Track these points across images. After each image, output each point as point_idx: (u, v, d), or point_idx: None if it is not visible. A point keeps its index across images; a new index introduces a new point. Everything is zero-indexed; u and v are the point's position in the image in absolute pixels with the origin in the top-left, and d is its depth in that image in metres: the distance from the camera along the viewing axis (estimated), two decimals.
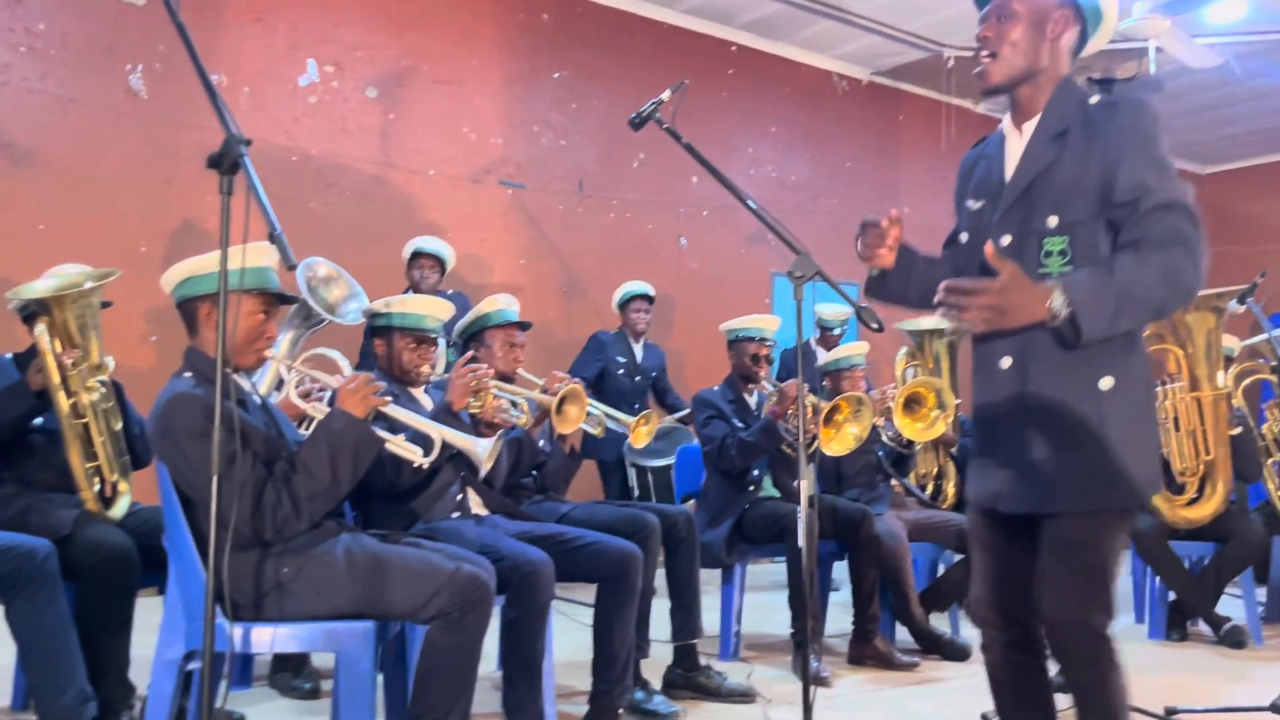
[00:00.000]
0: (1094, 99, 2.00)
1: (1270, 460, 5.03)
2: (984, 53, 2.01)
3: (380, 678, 2.62)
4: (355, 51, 6.04)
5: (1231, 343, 5.03)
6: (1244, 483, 4.96)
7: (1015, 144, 2.06)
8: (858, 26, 7.29)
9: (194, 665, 2.32)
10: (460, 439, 2.60)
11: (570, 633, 3.83)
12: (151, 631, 2.45)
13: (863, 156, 8.22)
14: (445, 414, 2.81)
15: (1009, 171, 2.04)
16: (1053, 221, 1.94)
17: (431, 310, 3.06)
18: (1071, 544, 1.92)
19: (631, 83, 6.91)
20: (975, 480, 2.10)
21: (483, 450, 2.58)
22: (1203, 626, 4.73)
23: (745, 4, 7.02)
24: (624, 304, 6.07)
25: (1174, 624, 4.75)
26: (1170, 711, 3.32)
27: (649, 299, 6.08)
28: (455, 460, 2.94)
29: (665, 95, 2.79)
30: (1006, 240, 2.00)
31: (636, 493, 5.75)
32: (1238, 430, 4.75)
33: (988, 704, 3.31)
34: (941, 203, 9.76)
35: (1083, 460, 1.90)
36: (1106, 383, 1.90)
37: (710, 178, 2.76)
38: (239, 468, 2.18)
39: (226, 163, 1.93)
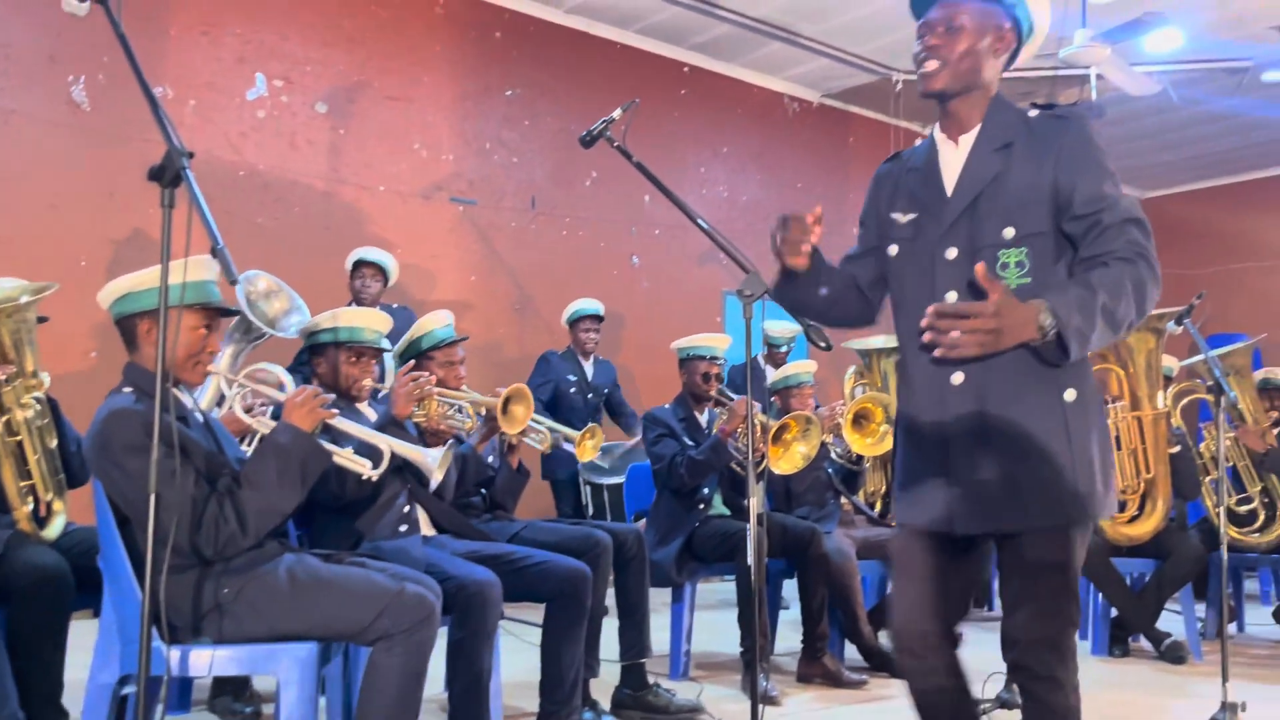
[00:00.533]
0: (1033, 112, 2.00)
1: (1207, 478, 5.14)
2: (931, 60, 2.00)
3: (323, 701, 2.57)
4: (305, 66, 5.99)
5: (1170, 363, 5.15)
6: (1182, 500, 5.06)
7: (952, 156, 2.03)
8: (808, 49, 7.39)
9: (129, 689, 2.26)
10: (409, 449, 2.58)
11: (519, 652, 3.79)
12: (86, 654, 2.38)
13: (813, 177, 8.31)
14: (391, 425, 2.78)
15: (949, 184, 2.02)
16: (1009, 233, 1.93)
17: (369, 322, 3.03)
18: (1041, 562, 1.90)
19: (584, 101, 6.93)
20: (914, 503, 2.02)
21: (432, 460, 2.56)
22: (1144, 643, 4.81)
23: (697, 25, 7.08)
24: (573, 323, 6.07)
25: (1116, 640, 4.83)
26: None
27: (598, 318, 6.07)
28: (402, 473, 2.90)
29: (616, 113, 2.80)
30: (953, 253, 1.97)
31: (590, 510, 5.73)
32: (1176, 449, 4.85)
33: None
34: None
35: (1051, 475, 1.87)
36: (1070, 394, 1.89)
37: (662, 197, 2.76)
38: (179, 484, 2.13)
39: (168, 175, 1.90)
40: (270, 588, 2.23)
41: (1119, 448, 4.82)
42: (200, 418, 2.46)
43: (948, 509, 1.96)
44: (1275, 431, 5.16)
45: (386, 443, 2.51)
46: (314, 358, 3.10)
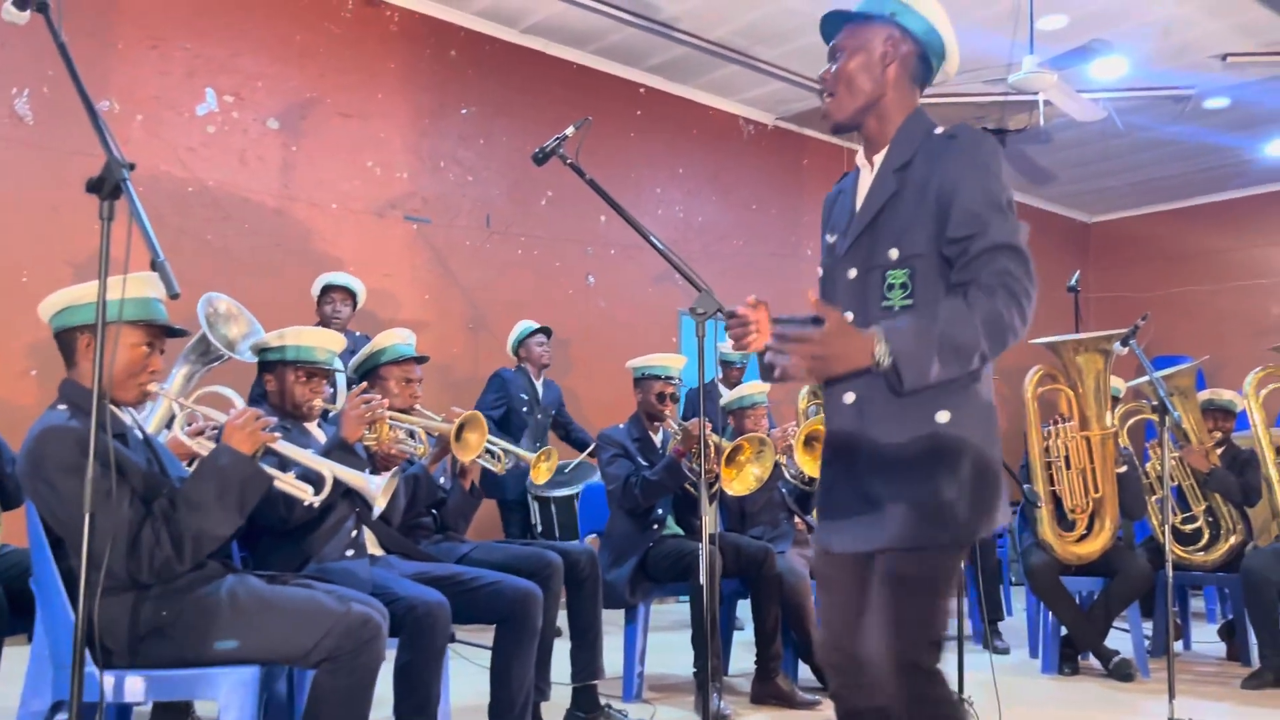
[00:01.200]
0: (938, 130, 1.98)
1: (1153, 498, 5.22)
2: (825, 95, 2.02)
3: None
4: (256, 82, 5.92)
5: (1118, 384, 5.23)
6: (1129, 519, 5.13)
7: (866, 178, 2.04)
8: (763, 72, 7.45)
9: (60, 716, 2.19)
10: (353, 476, 2.53)
11: (468, 675, 3.74)
12: (20, 681, 2.31)
13: (768, 199, 8.37)
14: (339, 448, 2.73)
15: (858, 205, 2.03)
16: (894, 254, 1.93)
17: (322, 341, 2.98)
18: (900, 581, 1.87)
19: (540, 120, 6.92)
20: (820, 522, 2.05)
21: (375, 488, 2.51)
22: (1093, 660, 4.86)
23: (654, 47, 7.12)
24: (523, 340, 6.04)
25: (1066, 658, 4.87)
26: None
27: (547, 332, 6.06)
28: (350, 497, 2.85)
29: (569, 131, 2.80)
30: (852, 274, 1.99)
31: (540, 528, 5.68)
32: (1124, 469, 4.92)
33: None
34: None
35: (914, 496, 1.86)
36: (943, 416, 1.87)
37: (618, 216, 2.76)
38: (115, 505, 2.07)
39: (107, 187, 1.86)
40: (210, 610, 2.18)
41: (1068, 467, 4.88)
42: (140, 435, 2.40)
43: (831, 527, 1.99)
44: (1219, 451, 5.25)
45: (329, 468, 2.45)
46: (263, 375, 3.05)
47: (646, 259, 7.39)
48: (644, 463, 4.22)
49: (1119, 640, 4.89)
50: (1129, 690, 4.48)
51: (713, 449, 4.14)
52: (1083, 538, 4.85)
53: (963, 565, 3.75)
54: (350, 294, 5.38)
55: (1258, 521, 5.18)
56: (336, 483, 2.46)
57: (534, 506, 5.73)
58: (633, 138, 7.53)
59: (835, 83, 2.00)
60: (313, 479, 2.42)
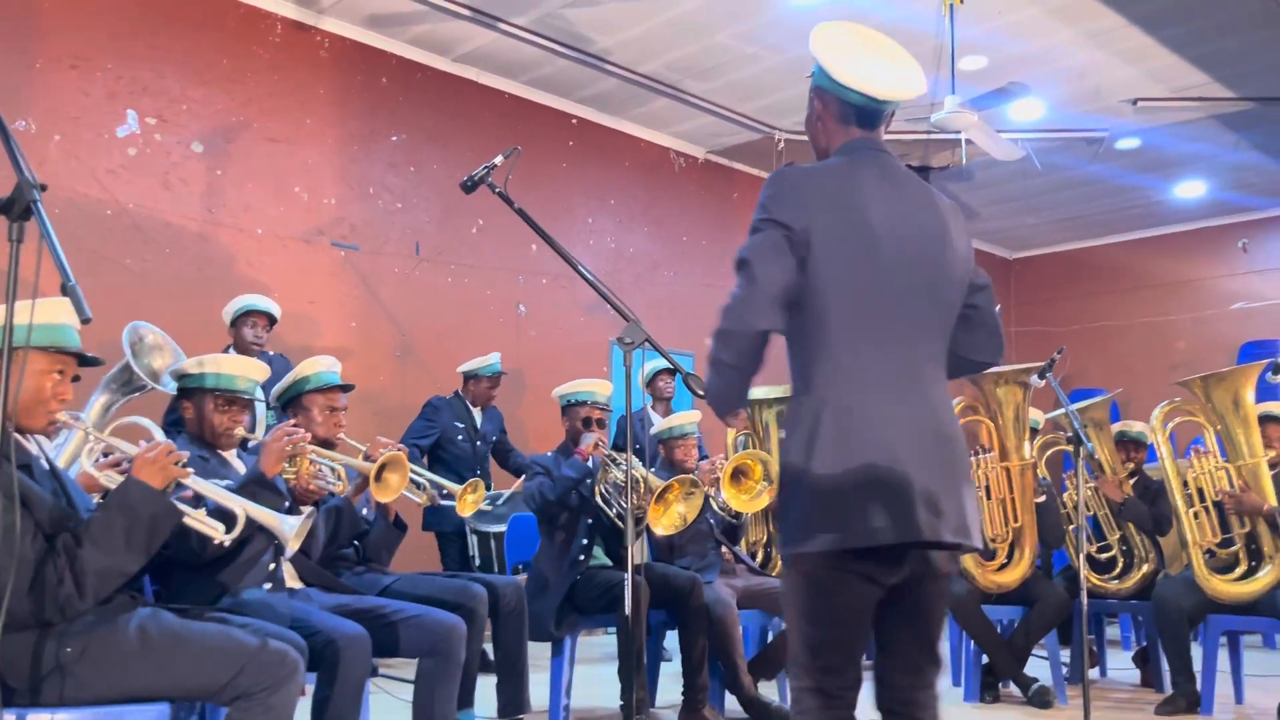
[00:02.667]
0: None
1: (1070, 527, 5.35)
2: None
3: None
4: (180, 105, 5.82)
5: (1037, 416, 5.36)
6: (1048, 548, 5.25)
7: None
8: (694, 106, 7.55)
9: None
10: (266, 516, 2.45)
11: (391, 710, 3.66)
12: None
13: (699, 232, 8.45)
14: (256, 482, 2.66)
15: None
16: None
17: (244, 370, 2.92)
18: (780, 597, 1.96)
19: (471, 149, 6.91)
20: None
21: (289, 529, 2.43)
22: (1013, 688, 4.93)
23: (585, 79, 7.17)
24: (472, 374, 5.97)
25: (987, 686, 4.94)
26: None
27: (497, 374, 5.98)
28: (267, 530, 2.79)
29: (498, 160, 2.80)
30: None
31: (478, 561, 5.60)
32: (1042, 498, 5.03)
33: None
34: None
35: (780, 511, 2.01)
36: (782, 434, 2.01)
37: (550, 245, 2.77)
38: (17, 539, 2.00)
39: (17, 208, 1.81)
40: (118, 645, 2.10)
41: (989, 497, 4.98)
42: (46, 466, 2.32)
43: None
44: (1131, 482, 5.41)
45: (242, 506, 2.38)
46: (181, 402, 2.97)
47: (578, 288, 7.40)
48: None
49: (1038, 668, 4.98)
50: (1047, 717, 4.56)
51: (643, 484, 4.15)
52: (1003, 567, 4.94)
53: None
54: (269, 318, 5.29)
55: (1168, 550, 5.34)
56: (249, 521, 2.39)
57: (472, 540, 5.66)
58: (565, 168, 7.56)
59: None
60: (225, 516, 2.35)
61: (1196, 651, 4.83)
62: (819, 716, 1.92)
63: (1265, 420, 4.76)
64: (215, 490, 2.42)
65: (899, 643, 2.04)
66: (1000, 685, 5.01)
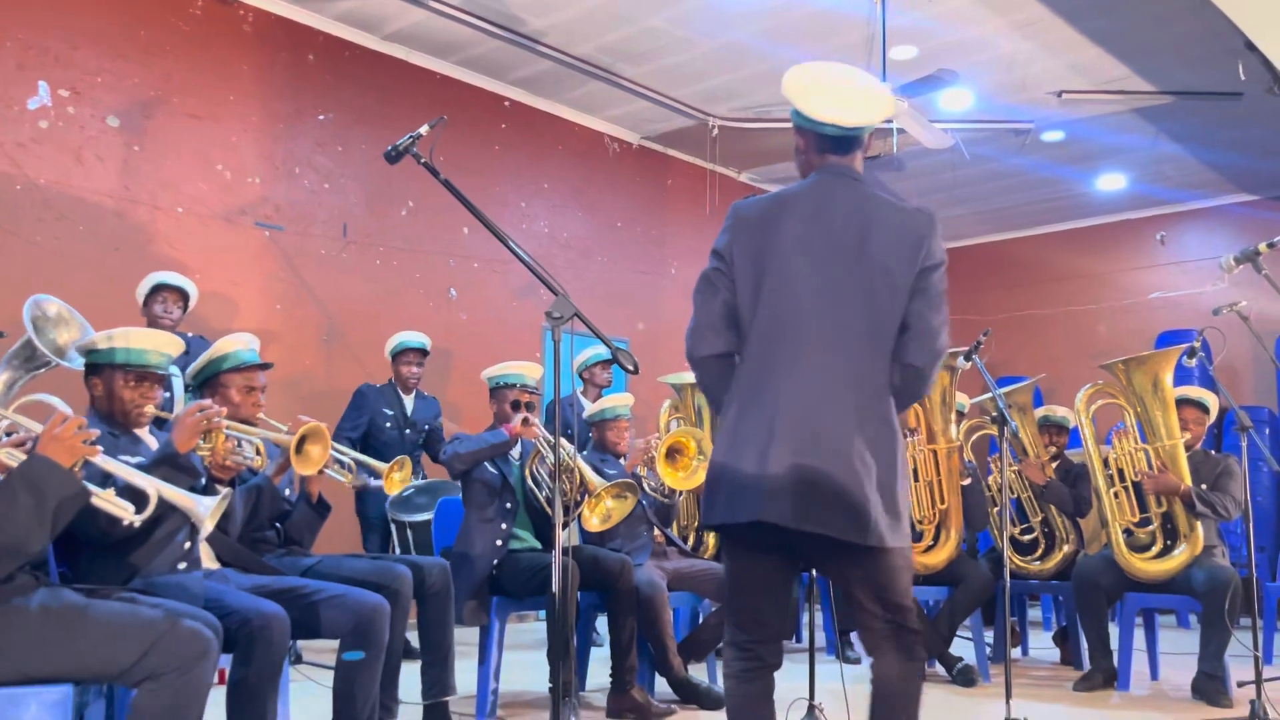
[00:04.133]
0: None
1: (995, 509, 5.44)
2: None
3: None
4: (96, 77, 5.61)
5: (963, 400, 5.44)
6: (973, 530, 5.33)
7: None
8: (627, 90, 7.50)
9: None
10: (179, 496, 2.35)
11: (313, 694, 3.58)
12: None
13: (633, 217, 8.41)
14: (169, 460, 2.56)
15: None
16: None
17: (156, 344, 2.81)
18: None
19: (401, 129, 6.67)
20: None
21: (204, 510, 2.34)
22: (938, 667, 5.01)
23: (517, 60, 7.08)
24: (395, 355, 5.89)
25: None
26: None
27: (422, 352, 5.91)
28: (181, 510, 2.69)
29: (424, 129, 2.73)
30: None
31: (398, 550, 5.53)
32: (968, 481, 5.11)
33: None
34: (704, 265, 10.06)
35: None
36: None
37: (482, 228, 2.71)
38: None
39: None
40: (17, 625, 2.01)
41: (916, 479, 5.04)
42: None
43: None
44: (1054, 465, 5.52)
45: (154, 486, 2.29)
46: (90, 379, 2.85)
47: (510, 272, 7.32)
48: (494, 471, 4.15)
49: (962, 647, 5.06)
50: (970, 694, 4.64)
51: (579, 477, 4.11)
52: (930, 548, 5.01)
53: (814, 574, 3.81)
54: (182, 295, 5.13)
55: (1088, 531, 5.46)
56: (160, 502, 2.30)
57: (393, 529, 5.57)
58: (497, 150, 7.47)
59: None
60: (136, 496, 2.25)
61: (1114, 630, 4.95)
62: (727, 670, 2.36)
63: (1182, 403, 4.89)
64: (126, 469, 2.33)
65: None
66: (926, 664, 5.08)
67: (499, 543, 4.04)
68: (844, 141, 2.34)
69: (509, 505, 4.11)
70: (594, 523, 4.09)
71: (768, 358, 2.25)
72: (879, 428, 2.19)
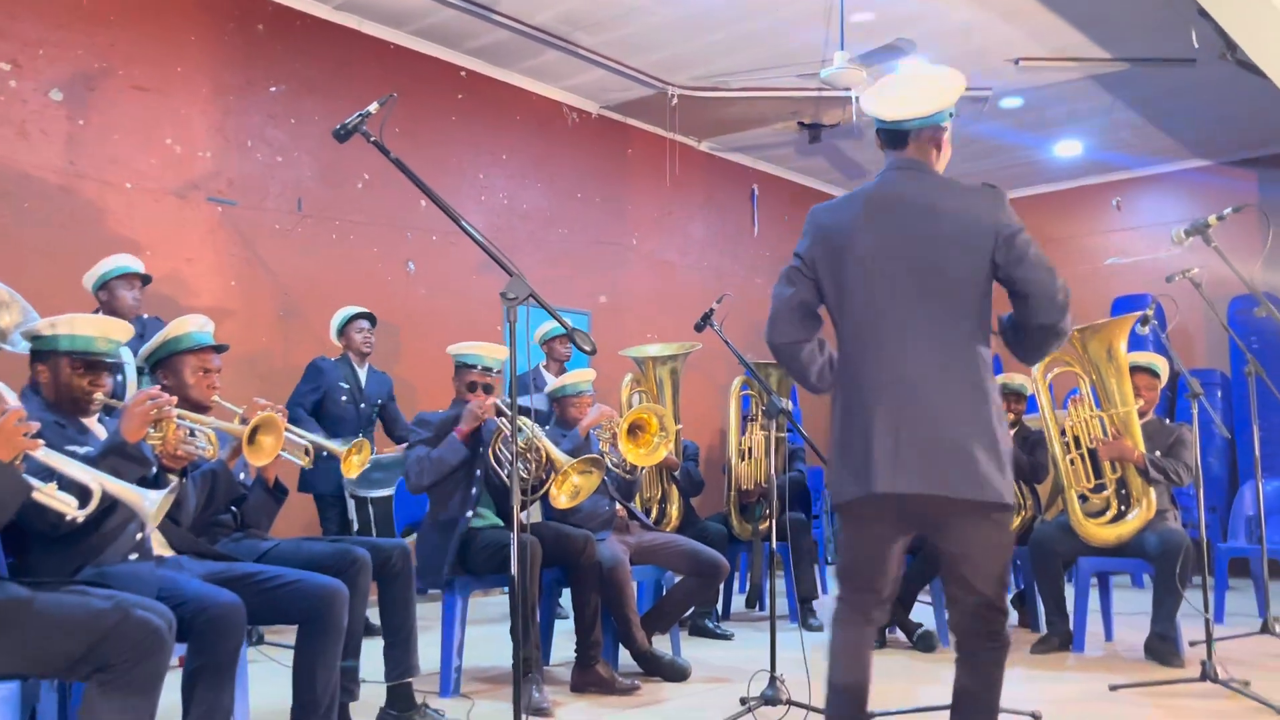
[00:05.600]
0: None
1: None
2: None
3: None
4: (37, 49, 5.46)
5: None
6: None
7: None
8: (585, 60, 7.42)
9: None
10: (124, 491, 2.30)
11: (275, 679, 3.56)
12: None
13: (593, 188, 8.35)
14: (118, 451, 2.50)
15: None
16: None
17: (104, 331, 2.75)
18: None
19: (355, 101, 6.59)
20: None
21: (150, 504, 2.28)
22: (899, 633, 5.08)
23: (473, 29, 6.97)
24: (343, 327, 5.83)
25: None
26: (868, 716, 3.50)
27: (369, 318, 5.86)
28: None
29: (373, 107, 2.68)
30: None
31: (356, 526, 5.50)
32: None
33: None
34: (665, 236, 10.07)
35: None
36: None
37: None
38: None
39: None
40: None
41: None
42: None
43: None
44: (1012, 432, 5.58)
45: (98, 481, 2.23)
46: (36, 365, 2.79)
47: (470, 246, 7.21)
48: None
49: (922, 613, 5.14)
50: (931, 659, 4.71)
51: (544, 456, 4.09)
52: None
53: (776, 544, 3.85)
54: (145, 278, 5.04)
55: (1045, 497, 5.54)
56: (104, 497, 2.25)
57: (351, 505, 5.54)
58: (454, 121, 7.37)
59: None
60: (80, 491, 2.20)
61: (1070, 593, 5.04)
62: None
63: (1135, 370, 4.95)
64: (69, 463, 2.27)
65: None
66: (887, 631, 5.15)
67: (466, 515, 4.04)
68: (896, 135, 2.56)
69: (471, 485, 4.09)
70: (562, 500, 4.08)
71: (865, 347, 2.47)
72: (974, 394, 2.41)
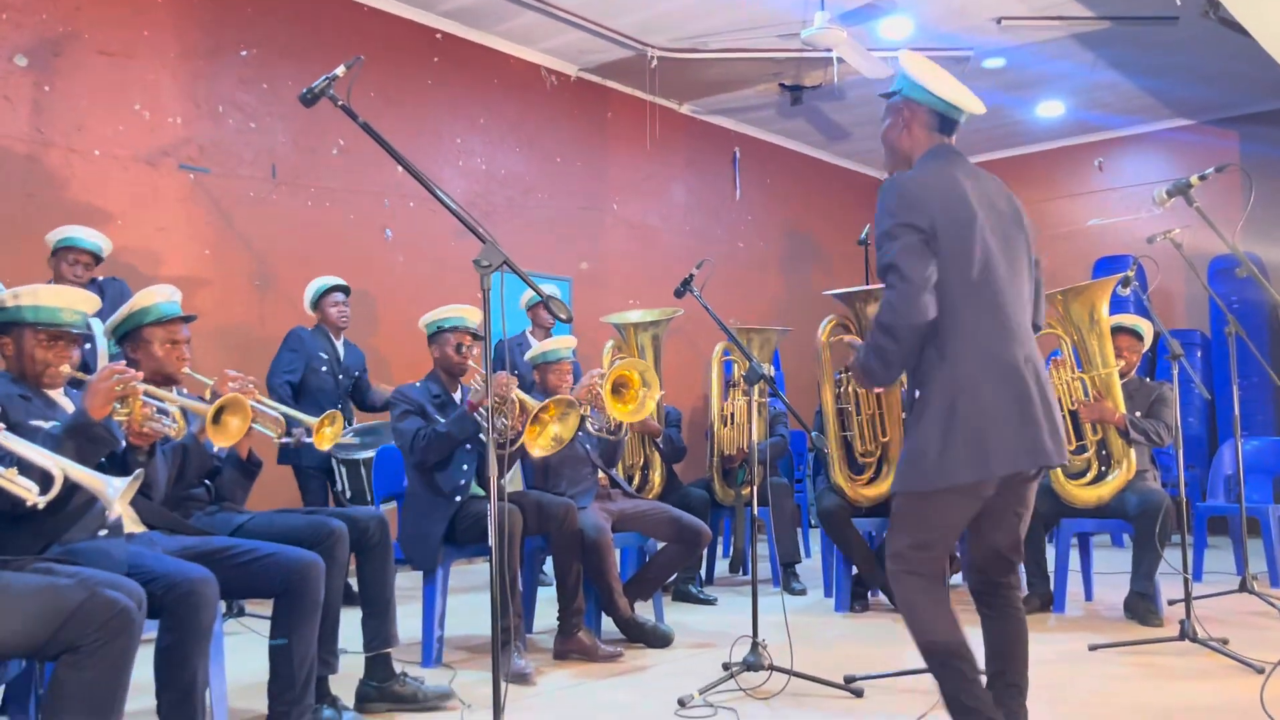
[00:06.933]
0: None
1: None
2: None
3: None
4: (0, 13, 5.32)
5: None
6: None
7: None
8: (562, 21, 7.30)
9: None
10: (86, 477, 2.24)
11: (256, 650, 3.54)
12: None
13: (573, 152, 8.26)
14: (83, 430, 2.44)
15: None
16: None
17: (69, 302, 2.68)
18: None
19: (328, 64, 6.42)
20: None
21: (114, 491, 2.22)
22: (882, 597, 5.09)
23: None
24: (318, 300, 5.75)
25: (857, 596, 5.09)
26: (850, 679, 3.52)
27: (344, 290, 5.79)
28: (104, 471, 2.59)
29: (340, 70, 2.60)
30: None
31: (349, 494, 5.42)
32: (906, 415, 5.14)
33: (685, 689, 3.39)
34: (646, 201, 9.97)
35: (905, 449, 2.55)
36: (918, 394, 2.51)
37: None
38: None
39: None
40: None
41: (858, 413, 5.07)
42: None
43: None
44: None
45: (60, 466, 2.18)
46: (2, 336, 2.72)
47: (448, 212, 7.14)
48: (442, 420, 4.09)
49: None
50: None
51: (517, 406, 4.05)
52: (871, 480, 5.06)
53: (758, 509, 3.84)
54: (93, 256, 4.92)
55: None
56: (66, 481, 2.19)
57: (339, 470, 5.46)
58: (430, 85, 7.25)
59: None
60: (41, 475, 2.14)
61: (1051, 554, 5.06)
62: None
63: (1117, 332, 4.95)
64: (30, 448, 2.21)
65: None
66: (870, 595, 5.17)
67: (461, 483, 4.05)
68: (952, 124, 2.64)
69: (469, 448, 4.05)
70: (537, 449, 4.02)
71: (997, 323, 2.47)
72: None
